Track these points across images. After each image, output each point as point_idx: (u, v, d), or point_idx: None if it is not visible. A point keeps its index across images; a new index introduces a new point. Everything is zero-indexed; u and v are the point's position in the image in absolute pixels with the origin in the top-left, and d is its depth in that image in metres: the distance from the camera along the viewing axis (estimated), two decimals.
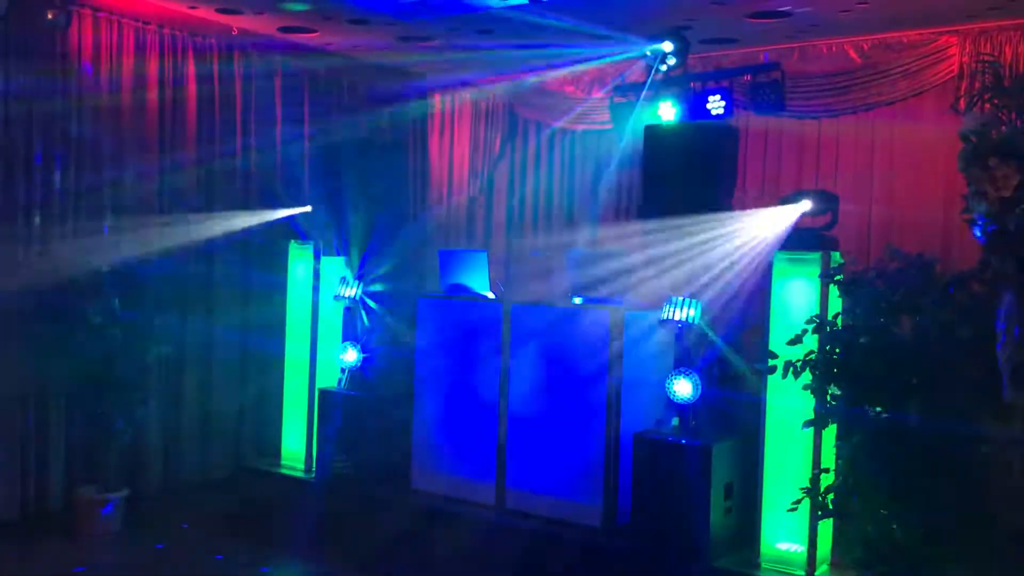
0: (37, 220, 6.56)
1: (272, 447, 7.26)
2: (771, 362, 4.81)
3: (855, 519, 4.35)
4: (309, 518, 6.61)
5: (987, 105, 3.25)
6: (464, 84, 9.22)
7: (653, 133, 5.63)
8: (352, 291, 6.76)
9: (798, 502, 4.67)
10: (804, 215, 5.26)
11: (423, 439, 6.48)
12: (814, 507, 4.67)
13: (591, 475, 5.79)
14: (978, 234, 3.27)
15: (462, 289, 6.48)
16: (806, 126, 7.15)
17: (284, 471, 6.98)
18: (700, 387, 5.40)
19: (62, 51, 6.72)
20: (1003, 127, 3.11)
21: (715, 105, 6.02)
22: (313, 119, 8.38)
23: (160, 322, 6.53)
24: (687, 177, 5.38)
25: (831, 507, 4.47)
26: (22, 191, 6.50)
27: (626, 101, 6.92)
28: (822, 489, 4.55)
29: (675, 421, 5.54)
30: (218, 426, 7.56)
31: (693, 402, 5.44)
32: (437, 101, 9.45)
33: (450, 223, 9.11)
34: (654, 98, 6.46)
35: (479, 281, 6.41)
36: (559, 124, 8.57)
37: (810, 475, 4.73)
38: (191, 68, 7.47)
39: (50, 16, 6.41)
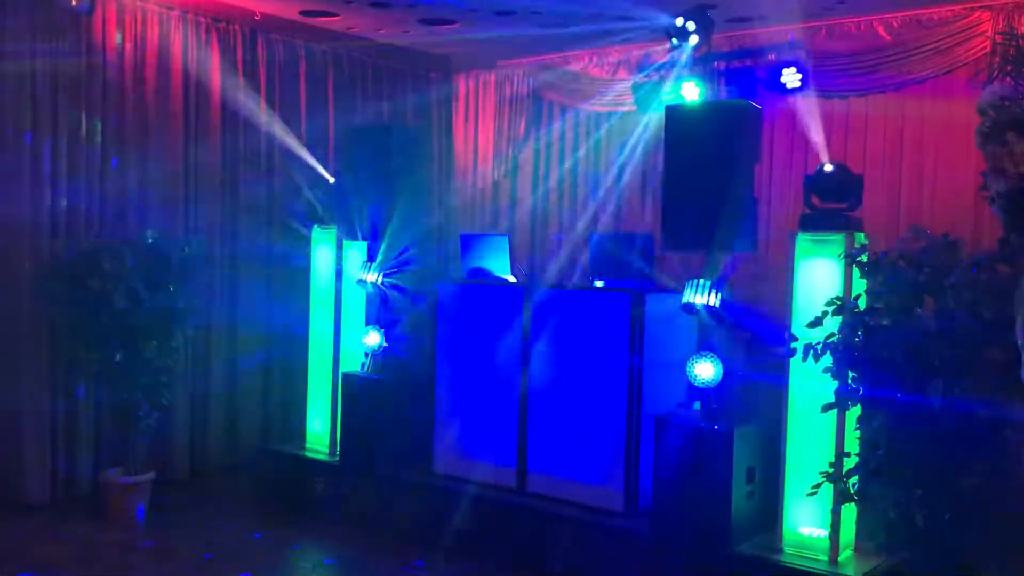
0: (64, 204, 6.66)
1: (297, 430, 7.30)
2: (792, 345, 4.73)
3: (877, 504, 4.27)
4: (333, 501, 6.65)
5: (1008, 79, 3.16)
6: (488, 67, 9.19)
7: (675, 114, 5.54)
8: (374, 276, 6.76)
9: (818, 486, 4.61)
10: (828, 197, 5.15)
11: (445, 423, 6.48)
12: (837, 492, 4.60)
13: (612, 459, 5.76)
14: (997, 213, 3.17)
15: (483, 273, 6.45)
16: (834, 106, 7.03)
17: (309, 454, 7.01)
18: (722, 370, 5.33)
19: (87, 37, 6.79)
20: (1023, 102, 3.01)
21: (791, 78, 5.89)
22: (337, 103, 8.40)
23: (185, 305, 6.58)
24: (708, 158, 5.28)
25: (852, 492, 4.40)
26: (47, 174, 6.58)
27: (649, 82, 6.85)
28: (844, 474, 4.48)
29: (697, 405, 5.48)
30: (244, 409, 7.65)
31: (715, 385, 5.37)
32: (461, 84, 9.43)
33: (475, 207, 9.10)
34: (678, 78, 6.38)
35: (500, 265, 6.38)
36: (584, 106, 8.52)
37: (826, 462, 4.65)
38: (215, 53, 7.51)
39: (74, 2, 6.46)
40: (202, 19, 7.47)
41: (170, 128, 7.25)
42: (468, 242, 6.57)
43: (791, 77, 5.72)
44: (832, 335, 4.37)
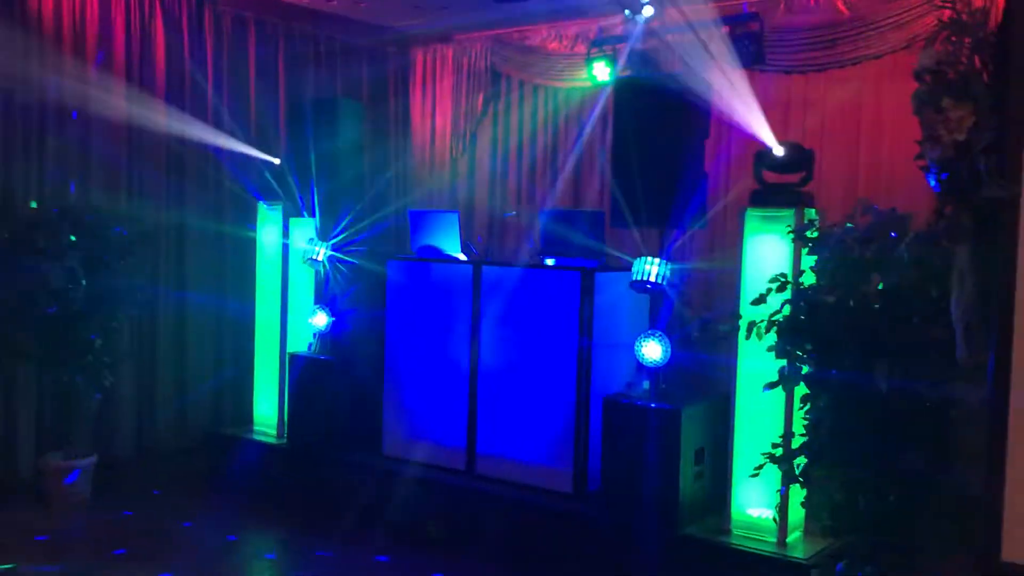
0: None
1: (245, 413, 7.13)
2: (737, 323, 4.63)
3: (822, 486, 4.18)
4: (279, 485, 6.52)
5: (949, 45, 3.04)
6: (445, 40, 8.99)
7: (624, 88, 5.41)
8: (322, 253, 6.59)
9: (760, 467, 4.52)
10: (779, 171, 5.04)
11: (394, 404, 6.35)
12: (783, 473, 4.50)
13: (562, 440, 5.65)
14: (932, 183, 3.06)
15: (433, 251, 6.30)
16: (792, 83, 6.91)
17: (256, 437, 6.86)
18: (670, 349, 5.23)
19: (21, 10, 6.54)
20: (960, 66, 2.88)
21: (743, 52, 5.75)
22: (289, 78, 8.18)
23: (127, 285, 6.38)
24: (656, 133, 5.15)
25: (797, 473, 4.31)
26: None
27: (603, 55, 6.69)
28: (789, 454, 4.38)
29: (645, 384, 5.38)
30: (190, 391, 7.46)
31: (663, 365, 5.27)
32: (419, 58, 9.22)
33: (433, 184, 8.92)
34: (631, 53, 6.24)
35: (450, 242, 6.24)
36: (543, 81, 8.34)
37: (779, 440, 4.56)
38: (159, 24, 7.27)
39: None
40: None
41: (111, 99, 7.00)
42: (417, 219, 6.41)
43: (744, 51, 5.57)
44: (776, 313, 4.26)
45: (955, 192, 2.93)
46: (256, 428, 6.97)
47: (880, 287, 3.93)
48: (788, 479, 4.41)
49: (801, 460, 4.30)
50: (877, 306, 3.90)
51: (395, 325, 6.34)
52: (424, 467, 6.07)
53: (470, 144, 8.85)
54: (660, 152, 5.22)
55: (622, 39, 6.39)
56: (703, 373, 5.44)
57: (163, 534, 5.84)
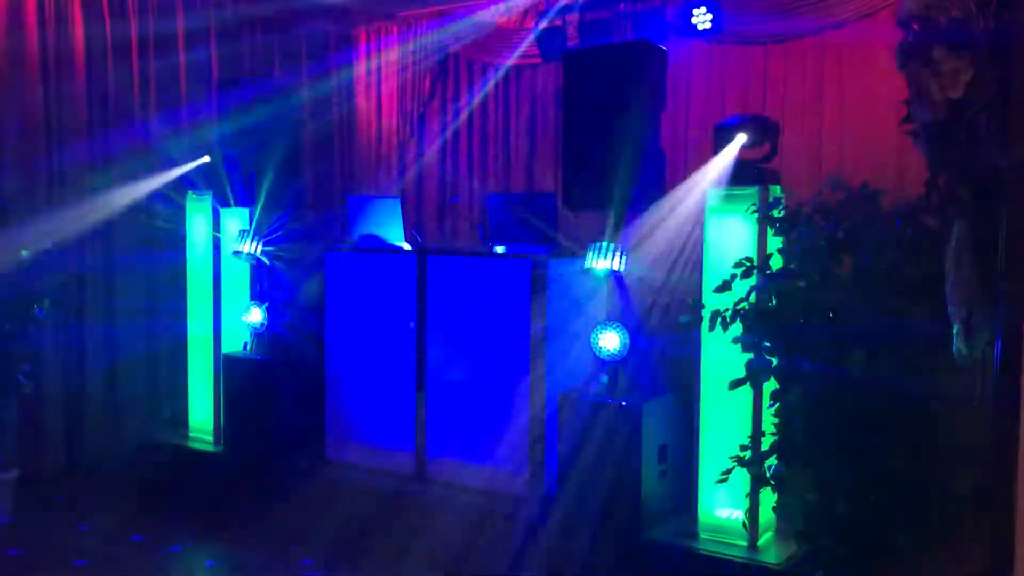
0: None
1: (181, 418, 6.66)
2: (700, 312, 4.27)
3: (794, 488, 3.84)
4: (219, 494, 6.07)
5: None
6: (390, 18, 8.53)
7: (572, 59, 5.01)
8: (252, 246, 6.13)
9: (728, 472, 4.16)
10: (742, 146, 4.68)
11: (337, 406, 5.93)
12: (752, 476, 4.16)
13: (516, 441, 5.27)
14: (922, 148, 2.68)
15: (375, 240, 5.88)
16: (751, 54, 6.55)
17: (193, 444, 6.40)
18: (628, 340, 4.86)
19: None
20: (953, 11, 2.47)
21: (701, 19, 5.35)
22: (221, 62, 7.68)
23: (48, 283, 5.90)
24: (608, 106, 4.76)
25: (768, 476, 3.96)
26: None
27: (553, 27, 6.29)
28: (759, 455, 4.04)
29: (604, 379, 5.01)
30: (126, 396, 6.96)
31: (622, 357, 4.91)
32: (362, 37, 8.75)
33: (380, 169, 8.47)
34: (581, 24, 5.84)
35: (393, 231, 5.82)
36: (492, 60, 7.92)
37: (746, 439, 4.21)
38: (76, 12, 6.73)
39: None
40: None
41: (25, 78, 6.45)
42: (357, 206, 5.98)
43: (701, 18, 5.19)
44: (742, 301, 3.90)
45: (949, 160, 2.54)
46: (192, 435, 6.51)
47: (853, 270, 3.58)
48: (758, 483, 4.06)
49: (772, 461, 3.95)
50: (850, 291, 3.55)
51: (335, 321, 5.91)
52: (371, 472, 5.68)
53: (418, 126, 8.43)
54: (613, 128, 4.84)
55: (571, 9, 5.99)
56: (667, 366, 5.09)
57: (109, 548, 5.43)
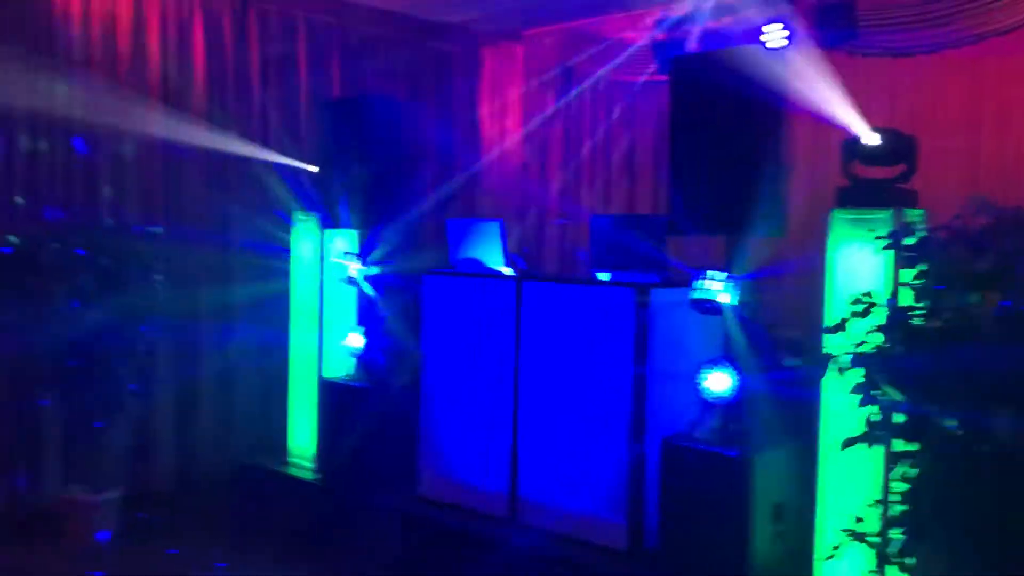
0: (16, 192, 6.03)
1: (280, 443, 6.52)
2: (821, 355, 3.70)
3: (925, 570, 3.21)
4: (310, 526, 5.86)
5: None
6: (514, 37, 8.28)
7: (682, 67, 4.54)
8: (358, 268, 5.93)
9: (836, 549, 3.56)
10: (873, 163, 4.09)
11: (430, 439, 5.60)
12: (877, 553, 3.53)
13: (614, 487, 4.78)
14: None
15: (473, 264, 5.56)
16: (897, 66, 5.88)
17: (291, 471, 6.24)
18: (740, 381, 4.32)
19: (46, 23, 6.14)
20: None
21: (774, 36, 4.82)
22: (344, 82, 7.61)
23: (149, 302, 5.87)
24: (725, 118, 4.27)
25: (893, 553, 3.33)
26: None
27: (671, 40, 5.83)
28: (882, 527, 3.42)
29: (711, 423, 4.47)
30: (238, 418, 6.91)
31: (733, 400, 4.37)
32: (487, 57, 8.53)
33: (496, 190, 8.19)
34: (702, 34, 5.36)
35: (493, 254, 5.48)
36: (617, 76, 7.53)
37: (868, 503, 3.60)
38: (199, 31, 6.78)
39: None
40: None
41: (145, 107, 6.54)
42: (457, 229, 5.68)
43: (775, 35, 4.49)
44: (863, 343, 3.32)
45: None
46: (291, 461, 6.35)
47: (1000, 309, 2.95)
48: (882, 561, 3.44)
49: (897, 534, 3.33)
50: (996, 335, 2.93)
51: (431, 348, 5.60)
52: (461, 512, 5.32)
53: (538, 146, 8.12)
54: (729, 142, 4.34)
55: (693, 20, 5.52)
56: (786, 410, 4.50)
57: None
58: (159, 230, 6.17)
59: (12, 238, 5.62)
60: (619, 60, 7.31)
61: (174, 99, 6.67)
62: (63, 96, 6.14)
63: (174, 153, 6.64)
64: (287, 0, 7.24)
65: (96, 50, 6.34)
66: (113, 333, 5.75)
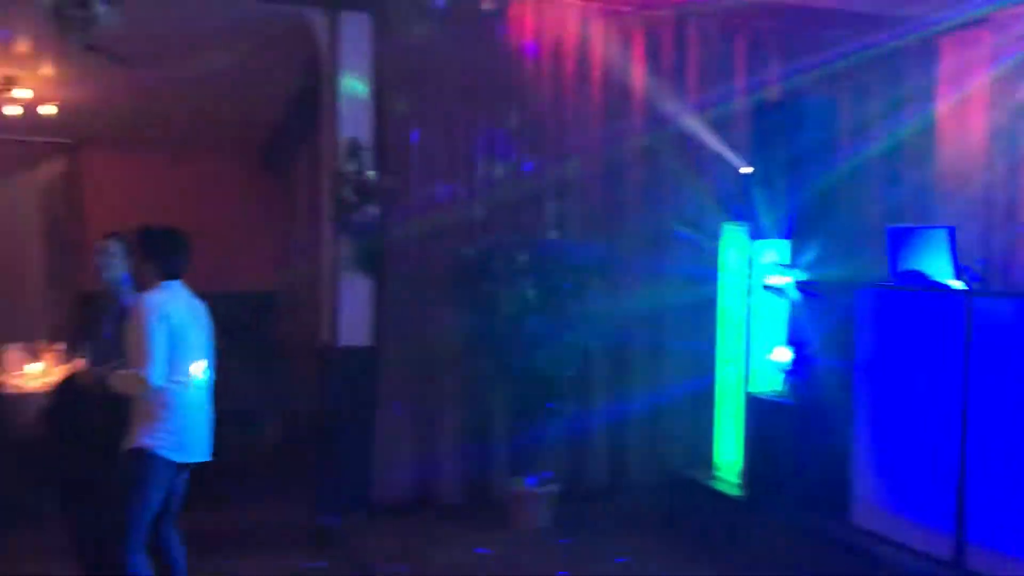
0: (478, 209, 6.67)
1: (704, 456, 6.46)
2: None
3: None
4: (735, 541, 5.73)
5: None
6: (979, 23, 7.35)
7: None
8: (786, 280, 5.67)
9: None
10: None
11: (864, 465, 5.16)
12: None
13: None
14: None
15: (916, 277, 5.01)
16: None
17: (717, 485, 6.15)
18: None
19: (502, 39, 6.73)
20: None
21: None
22: (782, 86, 7.36)
23: (577, 310, 6.19)
24: None
25: None
26: (463, 177, 6.65)
27: None
28: None
29: None
30: (652, 427, 7.03)
31: None
32: (945, 47, 7.68)
33: (951, 194, 7.32)
34: None
35: (940, 266, 4.90)
36: None
37: None
38: (639, 47, 7.01)
39: (486, 5, 6.45)
40: (626, 8, 7.01)
41: (588, 128, 6.92)
42: (898, 238, 5.17)
43: None
44: None
45: None
46: (718, 475, 6.27)
47: None
48: None
49: None
50: None
51: (865, 366, 5.16)
52: (897, 548, 4.83)
53: (1010, 143, 7.12)
54: None
55: None
56: None
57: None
58: (596, 245, 6.44)
59: (468, 250, 6.26)
60: None
61: (613, 118, 6.95)
62: (514, 123, 6.71)
63: (613, 170, 6.93)
64: (728, 11, 7.18)
65: (544, 74, 6.81)
66: (541, 342, 6.13)
